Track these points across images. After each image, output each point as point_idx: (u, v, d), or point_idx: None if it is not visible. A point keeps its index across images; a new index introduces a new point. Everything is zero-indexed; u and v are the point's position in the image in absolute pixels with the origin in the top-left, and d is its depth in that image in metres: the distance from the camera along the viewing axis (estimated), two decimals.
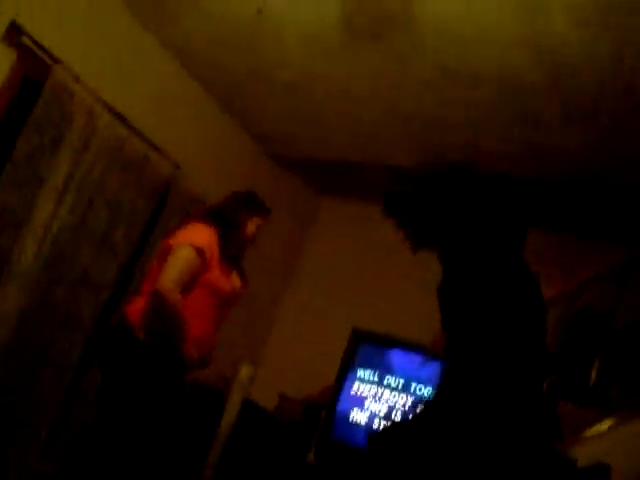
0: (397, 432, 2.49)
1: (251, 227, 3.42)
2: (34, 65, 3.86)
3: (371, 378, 4.06)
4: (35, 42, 3.80)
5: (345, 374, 4.07)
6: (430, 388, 3.85)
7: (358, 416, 4.11)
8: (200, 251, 3.20)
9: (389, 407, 4.00)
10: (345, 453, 4.03)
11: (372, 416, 4.08)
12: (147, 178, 4.48)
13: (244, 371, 4.16)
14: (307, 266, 6.00)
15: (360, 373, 4.07)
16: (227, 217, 3.39)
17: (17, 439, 3.97)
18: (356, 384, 4.08)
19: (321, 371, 4.51)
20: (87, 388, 4.26)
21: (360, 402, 4.08)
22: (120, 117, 4.26)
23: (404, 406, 3.94)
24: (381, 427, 4.01)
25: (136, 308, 3.25)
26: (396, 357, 4.06)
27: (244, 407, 4.20)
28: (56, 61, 3.88)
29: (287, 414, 4.18)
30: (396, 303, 5.33)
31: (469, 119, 4.18)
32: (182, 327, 3.09)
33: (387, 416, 3.96)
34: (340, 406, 4.06)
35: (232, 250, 3.34)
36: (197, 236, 3.25)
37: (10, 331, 3.82)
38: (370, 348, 4.13)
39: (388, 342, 4.16)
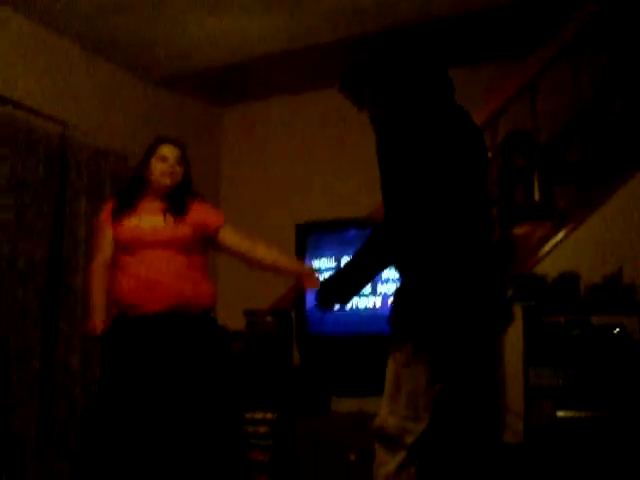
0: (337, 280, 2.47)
1: (155, 165, 3.31)
2: None
3: (328, 265, 4.02)
4: None
5: None
6: None
7: None
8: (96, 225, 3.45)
9: None
10: (328, 345, 4.03)
11: None
12: (38, 145, 4.26)
13: None
14: (233, 181, 5.88)
15: (316, 264, 4.02)
16: (133, 176, 3.46)
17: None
18: None
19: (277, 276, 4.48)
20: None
21: None
22: None
23: None
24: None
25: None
26: (347, 236, 3.99)
27: (216, 335, 4.17)
28: None
29: (260, 329, 4.14)
30: (334, 185, 5.30)
31: None
32: None
33: None
34: (308, 302, 4.02)
35: (134, 199, 3.32)
36: None
37: None
38: (319, 237, 4.07)
39: (335, 225, 4.10)
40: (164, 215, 3.25)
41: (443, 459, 2.40)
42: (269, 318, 4.09)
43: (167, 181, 3.31)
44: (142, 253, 3.19)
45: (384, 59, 2.54)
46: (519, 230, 3.98)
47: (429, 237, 2.24)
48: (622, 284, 3.47)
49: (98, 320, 3.20)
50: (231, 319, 4.50)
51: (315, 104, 5.54)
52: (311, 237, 4.07)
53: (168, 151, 3.34)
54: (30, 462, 4.02)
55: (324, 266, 4.01)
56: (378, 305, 3.93)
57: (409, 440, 2.24)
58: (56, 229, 4.36)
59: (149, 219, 3.26)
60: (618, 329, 3.39)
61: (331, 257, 4.02)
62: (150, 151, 3.37)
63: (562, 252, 3.84)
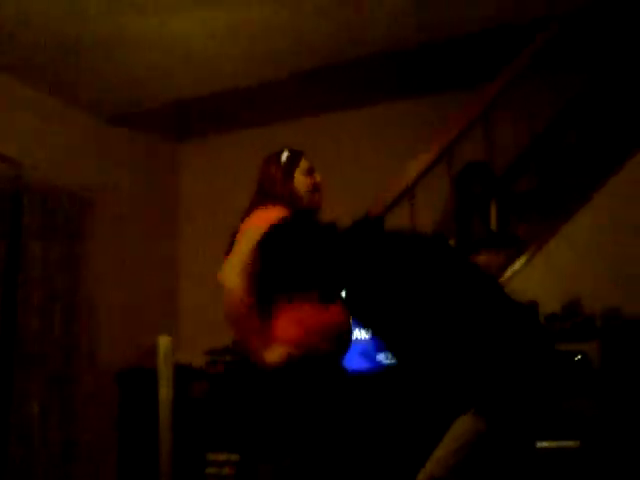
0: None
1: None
2: None
3: None
4: None
5: None
6: None
7: None
8: None
9: None
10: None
11: None
12: None
13: (163, 343, 4.03)
14: (192, 217, 5.83)
15: None
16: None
17: None
18: None
19: None
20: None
21: None
22: None
23: None
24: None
25: None
26: None
27: (178, 375, 4.13)
28: None
29: (222, 367, 4.09)
30: None
31: None
32: None
33: None
34: None
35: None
36: None
37: None
38: None
39: None
40: None
41: None
42: (229, 357, 4.02)
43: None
44: None
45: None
46: (477, 260, 3.98)
47: None
48: (581, 312, 3.48)
49: None
50: (194, 358, 4.47)
51: (270, 138, 5.52)
52: None
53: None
54: None
55: None
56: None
57: None
58: (10, 271, 4.27)
59: None
60: (580, 356, 3.39)
61: None
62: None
63: (521, 281, 3.84)
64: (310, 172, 2.86)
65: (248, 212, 2.77)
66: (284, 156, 2.88)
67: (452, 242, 4.01)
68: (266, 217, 2.67)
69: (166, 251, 5.64)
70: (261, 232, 2.60)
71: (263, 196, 2.84)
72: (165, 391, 4.06)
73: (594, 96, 4.85)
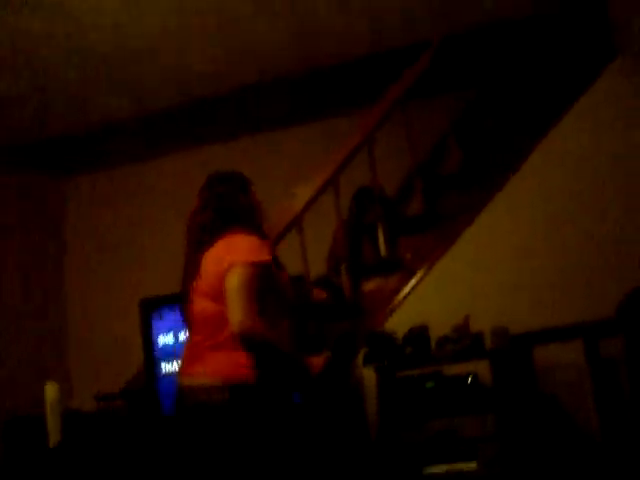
0: None
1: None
2: None
3: (166, 341, 3.89)
4: None
5: (150, 347, 3.85)
6: None
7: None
8: None
9: None
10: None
11: None
12: None
13: (50, 390, 3.85)
14: (76, 255, 5.64)
15: (164, 340, 3.87)
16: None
17: None
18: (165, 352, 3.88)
19: (130, 353, 4.31)
20: None
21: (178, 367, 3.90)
22: None
23: None
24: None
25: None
26: None
27: (68, 421, 3.95)
28: None
29: (111, 411, 3.94)
30: (179, 260, 5.16)
31: None
32: None
33: None
34: (162, 380, 3.85)
35: None
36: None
37: None
38: (165, 312, 3.92)
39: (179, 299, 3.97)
40: None
41: None
42: (119, 402, 3.89)
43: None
44: None
45: None
46: (368, 285, 3.99)
47: None
48: (470, 332, 3.52)
49: None
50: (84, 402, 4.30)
51: (157, 171, 5.45)
52: (157, 312, 3.92)
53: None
54: None
55: (170, 342, 3.88)
56: None
57: None
58: None
59: None
60: (471, 377, 3.42)
61: (168, 332, 3.88)
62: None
63: (412, 305, 3.87)
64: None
65: (211, 238, 2.57)
66: (234, 176, 2.76)
67: (343, 268, 3.99)
68: (247, 248, 2.52)
69: (53, 289, 5.44)
70: (254, 272, 2.44)
71: (223, 217, 2.64)
72: (55, 440, 3.89)
73: (476, 117, 4.98)
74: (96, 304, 5.33)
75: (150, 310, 3.89)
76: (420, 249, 4.11)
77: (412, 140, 4.26)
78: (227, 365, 2.44)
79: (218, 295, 2.46)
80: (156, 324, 3.89)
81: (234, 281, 2.41)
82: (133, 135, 5.10)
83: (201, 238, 2.60)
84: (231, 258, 2.46)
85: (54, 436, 3.92)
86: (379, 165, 4.22)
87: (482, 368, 3.48)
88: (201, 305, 2.55)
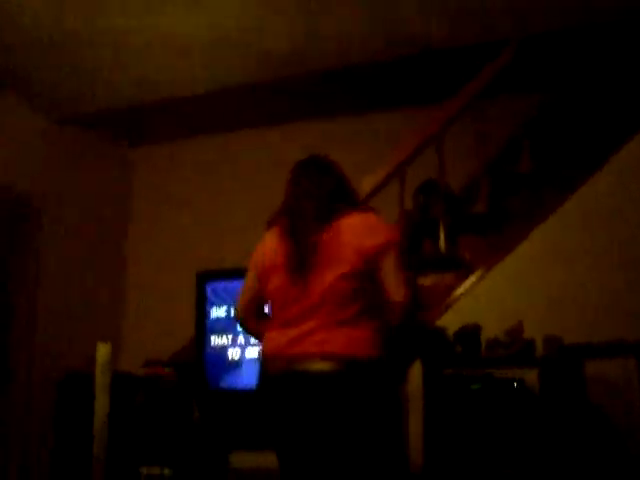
0: None
1: None
2: None
3: (219, 314, 3.92)
4: None
5: (203, 319, 3.91)
6: None
7: (231, 355, 4.00)
8: None
9: None
10: (228, 399, 3.91)
11: (244, 348, 3.97)
12: None
13: (102, 351, 3.93)
14: (140, 224, 5.73)
15: (216, 313, 3.91)
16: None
17: None
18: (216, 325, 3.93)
19: (182, 323, 4.38)
20: None
21: (227, 341, 3.95)
22: None
23: None
24: None
25: None
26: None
27: (116, 383, 4.03)
28: None
29: (161, 378, 4.00)
30: (240, 234, 5.22)
31: None
32: None
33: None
34: (209, 353, 3.90)
35: None
36: None
37: None
38: (220, 286, 3.97)
39: (236, 274, 4.01)
40: None
41: None
42: (168, 370, 3.95)
43: None
44: None
45: None
46: (425, 281, 3.96)
47: None
48: (522, 338, 3.46)
49: None
50: (134, 367, 4.39)
51: (224, 146, 5.49)
52: (212, 285, 3.96)
53: None
54: None
55: (224, 314, 3.92)
56: None
57: None
58: None
59: None
60: (516, 383, 3.37)
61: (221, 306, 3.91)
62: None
63: (466, 304, 3.83)
64: None
65: (333, 214, 2.52)
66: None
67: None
68: (388, 226, 2.59)
69: (114, 255, 5.55)
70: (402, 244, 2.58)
71: (341, 197, 2.61)
72: (101, 401, 3.96)
73: (548, 121, 4.87)
74: (155, 273, 5.42)
75: (205, 283, 3.95)
76: (479, 250, 4.06)
77: (483, 138, 4.21)
78: (358, 342, 2.41)
79: (357, 271, 2.45)
80: (210, 297, 3.94)
81: (396, 257, 2.49)
82: (205, 108, 5.15)
83: (319, 214, 2.53)
84: (384, 236, 2.49)
85: (101, 398, 3.99)
86: (445, 161, 4.18)
87: (526, 374, 3.44)
88: (328, 280, 2.45)
